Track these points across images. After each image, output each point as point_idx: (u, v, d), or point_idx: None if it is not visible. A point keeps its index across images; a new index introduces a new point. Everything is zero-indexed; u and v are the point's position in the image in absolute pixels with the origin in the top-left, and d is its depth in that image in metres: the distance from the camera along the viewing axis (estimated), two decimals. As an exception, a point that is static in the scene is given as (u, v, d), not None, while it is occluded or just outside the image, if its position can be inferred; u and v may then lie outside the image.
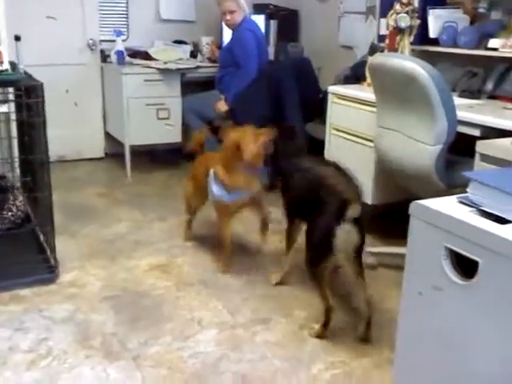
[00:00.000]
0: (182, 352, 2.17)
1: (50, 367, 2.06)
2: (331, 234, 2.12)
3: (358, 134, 3.12)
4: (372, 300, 2.30)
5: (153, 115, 4.29)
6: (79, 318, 2.39)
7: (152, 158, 4.80)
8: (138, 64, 4.43)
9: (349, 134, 3.19)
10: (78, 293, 2.60)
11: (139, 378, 2.01)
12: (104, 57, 4.63)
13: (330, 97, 3.33)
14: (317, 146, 3.63)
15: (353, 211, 2.12)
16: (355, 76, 3.64)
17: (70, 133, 4.62)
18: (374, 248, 2.98)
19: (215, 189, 2.75)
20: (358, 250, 2.21)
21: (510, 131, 2.25)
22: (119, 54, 4.39)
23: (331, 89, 3.33)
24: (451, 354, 1.19)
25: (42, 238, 2.97)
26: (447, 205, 1.18)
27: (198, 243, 3.15)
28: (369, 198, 3.09)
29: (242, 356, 2.16)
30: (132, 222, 3.46)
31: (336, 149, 3.33)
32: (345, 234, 2.13)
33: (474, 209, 1.16)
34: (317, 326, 2.28)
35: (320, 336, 2.27)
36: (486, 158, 2.11)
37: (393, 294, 2.58)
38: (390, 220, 3.31)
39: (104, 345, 2.21)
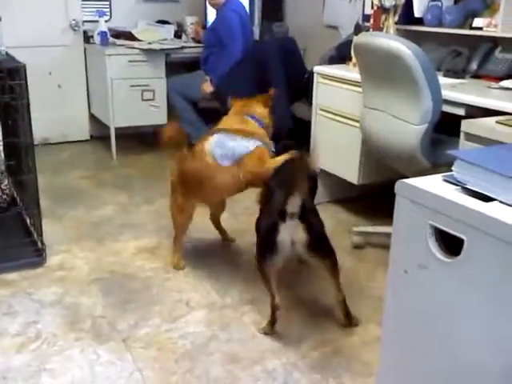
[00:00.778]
0: (172, 333, 2.19)
1: (40, 350, 2.07)
2: (274, 231, 2.02)
3: (343, 114, 3.13)
4: (345, 298, 2.22)
5: (137, 97, 4.26)
6: (68, 301, 2.39)
7: (138, 140, 4.77)
8: (121, 45, 4.39)
9: (335, 114, 3.20)
10: (65, 276, 2.60)
11: (129, 360, 2.03)
12: (87, 38, 4.57)
13: (315, 77, 3.32)
14: (303, 127, 3.64)
15: (292, 206, 1.98)
16: (340, 56, 3.63)
17: (55, 115, 4.57)
18: (361, 227, 3.01)
19: (218, 151, 2.47)
20: (312, 248, 2.07)
21: (494, 110, 2.27)
22: (102, 34, 4.34)
23: (317, 69, 3.33)
24: (437, 331, 1.21)
25: (28, 221, 2.96)
26: (432, 183, 1.20)
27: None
28: (355, 178, 3.11)
29: (232, 336, 2.18)
30: (119, 205, 3.46)
31: (322, 129, 3.33)
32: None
33: (458, 187, 1.17)
34: (264, 323, 2.21)
35: (268, 333, 2.19)
36: (470, 137, 2.13)
37: (380, 272, 2.61)
38: (376, 200, 3.34)
39: (93, 327, 2.22)
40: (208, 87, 4.06)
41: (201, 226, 3.08)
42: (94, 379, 1.93)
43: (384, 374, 1.42)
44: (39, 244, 2.73)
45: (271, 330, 2.18)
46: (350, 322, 2.24)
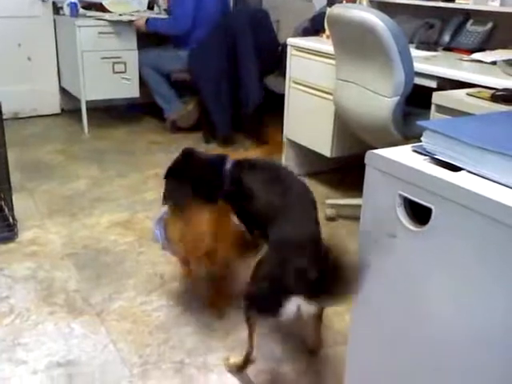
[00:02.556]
0: (146, 306, 2.20)
1: (13, 325, 2.06)
2: (278, 303, 1.62)
3: (317, 87, 3.12)
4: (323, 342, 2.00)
5: (109, 69, 4.19)
6: (41, 276, 2.38)
7: (110, 113, 4.71)
8: (91, 16, 4.29)
9: (308, 87, 3.19)
10: (38, 251, 2.58)
11: (104, 333, 2.03)
12: (56, 9, 4.46)
13: (289, 49, 3.31)
14: (277, 100, 3.63)
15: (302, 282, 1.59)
16: (314, 28, 3.61)
17: (24, 88, 4.48)
18: (334, 200, 3.04)
19: None
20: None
21: (465, 83, 2.29)
22: (72, 5, 4.24)
23: (290, 41, 3.31)
24: (407, 299, 1.23)
25: (-2, 196, 2.92)
26: (402, 154, 1.21)
27: (159, 199, 3.14)
28: (328, 151, 3.12)
29: (206, 307, 2.19)
30: (91, 179, 3.42)
31: (295, 102, 3.33)
32: None
33: (427, 157, 1.19)
34: (233, 360, 1.90)
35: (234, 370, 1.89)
36: (441, 109, 2.15)
37: (352, 243, 2.63)
38: (349, 173, 3.37)
39: (67, 301, 2.21)
40: (141, 24, 4.09)
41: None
42: (68, 352, 1.93)
43: (355, 342, 1.44)
44: (10, 219, 2.70)
45: (240, 370, 1.89)
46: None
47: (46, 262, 2.49)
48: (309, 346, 2.01)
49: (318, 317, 1.93)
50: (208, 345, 1.99)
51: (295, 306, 1.62)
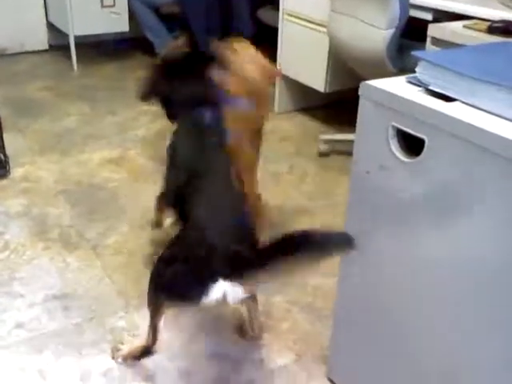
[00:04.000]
0: (140, 239, 2.22)
1: (9, 260, 2.08)
2: (197, 293, 1.36)
3: (311, 19, 3.05)
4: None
5: (97, 3, 4.06)
6: (35, 212, 2.39)
7: (99, 49, 4.59)
8: None
9: (303, 19, 3.12)
10: (31, 187, 2.58)
11: (99, 266, 2.06)
12: None
13: (282, -20, 3.21)
14: (270, 34, 3.55)
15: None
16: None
17: (10, 24, 4.34)
18: (327, 135, 3.03)
19: None
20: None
21: (461, 14, 2.24)
22: None
23: (283, -28, 3.21)
24: (397, 231, 1.25)
25: (-12, 134, 2.88)
26: (396, 85, 1.19)
27: (151, 136, 3.13)
28: (322, 85, 3.09)
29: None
30: (81, 116, 3.38)
31: (289, 36, 3.26)
32: None
33: (421, 88, 1.18)
34: (125, 348, 1.67)
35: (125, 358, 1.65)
36: (437, 41, 2.11)
37: (345, 179, 2.64)
38: (344, 108, 3.34)
39: (62, 236, 2.23)
40: None
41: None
42: (64, 286, 1.96)
43: (344, 274, 1.47)
44: (1, 156, 2.68)
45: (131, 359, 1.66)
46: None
47: (39, 198, 2.49)
48: (249, 334, 1.77)
49: (252, 305, 1.72)
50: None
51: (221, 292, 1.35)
